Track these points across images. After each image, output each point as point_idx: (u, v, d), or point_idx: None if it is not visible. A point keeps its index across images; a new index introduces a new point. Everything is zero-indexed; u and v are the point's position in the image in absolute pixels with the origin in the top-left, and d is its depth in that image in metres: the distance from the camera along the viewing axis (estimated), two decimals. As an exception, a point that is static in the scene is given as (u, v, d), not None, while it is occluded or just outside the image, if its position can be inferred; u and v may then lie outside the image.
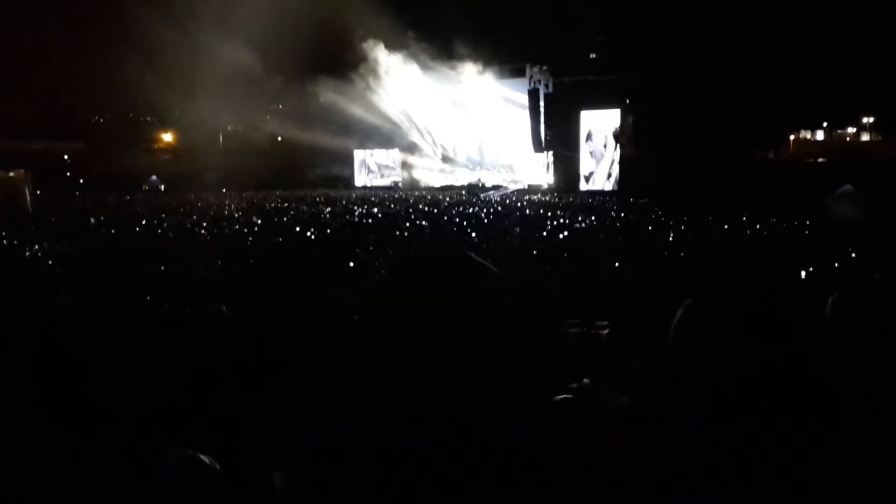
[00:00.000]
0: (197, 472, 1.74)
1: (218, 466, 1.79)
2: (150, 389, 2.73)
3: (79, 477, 2.02)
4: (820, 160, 32.14)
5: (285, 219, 16.24)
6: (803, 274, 5.80)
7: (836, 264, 6.90)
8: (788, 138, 35.47)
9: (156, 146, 46.09)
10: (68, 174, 39.99)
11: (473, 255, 2.06)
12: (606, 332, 3.39)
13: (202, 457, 1.76)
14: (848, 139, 36.56)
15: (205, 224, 14.25)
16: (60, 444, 2.19)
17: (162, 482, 1.73)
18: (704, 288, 3.07)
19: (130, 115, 44.88)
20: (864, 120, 35.83)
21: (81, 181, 38.36)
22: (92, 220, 15.47)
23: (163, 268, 7.15)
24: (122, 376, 2.93)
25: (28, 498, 2.13)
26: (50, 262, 8.18)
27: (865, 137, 36.14)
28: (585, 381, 2.03)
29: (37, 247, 9.81)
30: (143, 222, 14.97)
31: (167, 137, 46.21)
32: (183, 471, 1.73)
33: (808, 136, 36.90)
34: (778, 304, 3.47)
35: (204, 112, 37.51)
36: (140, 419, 2.39)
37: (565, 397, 2.03)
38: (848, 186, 16.17)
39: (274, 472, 2.04)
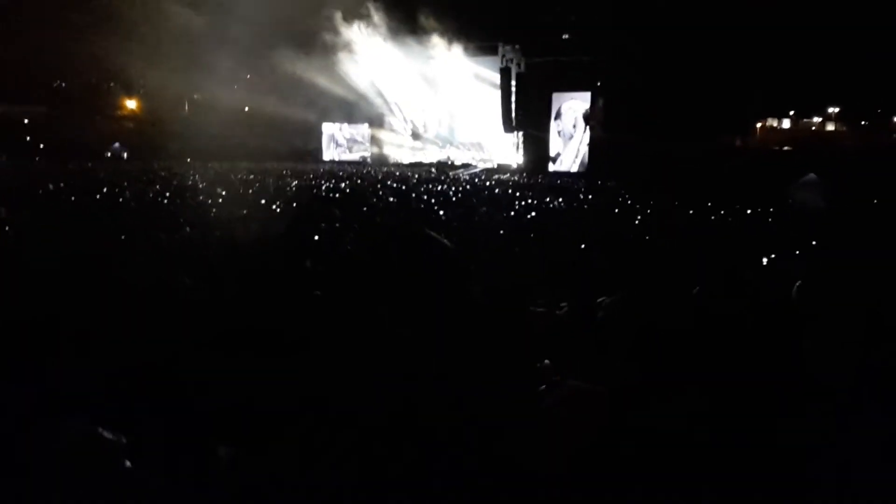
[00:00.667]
0: (93, 446, 1.64)
1: (123, 440, 1.68)
2: (97, 358, 2.65)
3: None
4: (786, 148, 32.59)
5: (251, 191, 16.03)
6: (765, 260, 5.85)
7: (798, 252, 6.99)
8: (755, 125, 35.86)
9: (120, 113, 45.09)
10: (28, 139, 39.04)
11: (434, 234, 2.01)
12: (564, 312, 3.38)
13: (103, 430, 1.66)
14: (814, 128, 37.09)
15: (167, 194, 13.99)
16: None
17: (51, 457, 1.60)
18: (628, 286, 3.06)
19: (94, 80, 43.82)
20: (830, 110, 36.36)
21: (42, 147, 37.48)
22: (51, 186, 15.12)
23: (123, 236, 7.00)
24: (71, 341, 2.85)
25: None
26: (6, 229, 7.97)
27: (831, 127, 36.70)
28: (546, 362, 2.01)
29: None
30: (104, 190, 14.66)
31: (131, 105, 45.23)
32: (74, 445, 1.63)
33: (775, 123, 37.35)
34: (735, 290, 3.48)
35: (169, 80, 36.78)
36: (64, 391, 2.30)
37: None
38: (812, 175, 16.41)
39: (220, 445, 1.99)
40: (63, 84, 43.90)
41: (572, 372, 2.14)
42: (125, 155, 38.40)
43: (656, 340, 2.11)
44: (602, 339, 2.21)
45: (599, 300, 3.12)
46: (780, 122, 37.59)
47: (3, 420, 1.86)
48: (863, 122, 34.69)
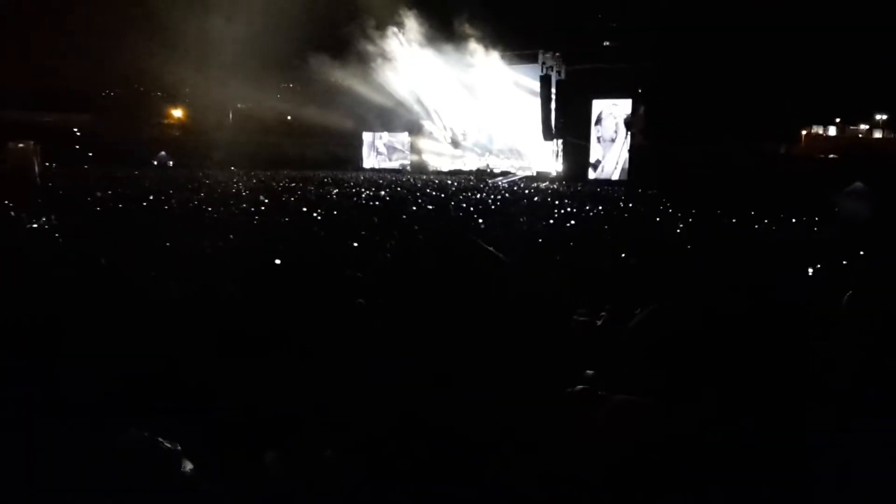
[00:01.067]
0: (155, 454, 1.68)
1: (179, 448, 1.72)
2: (143, 366, 2.71)
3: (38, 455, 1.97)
4: (831, 156, 31.94)
5: (292, 198, 16.21)
6: (811, 271, 5.76)
7: (846, 262, 6.86)
8: (800, 133, 35.22)
9: (166, 121, 46.03)
10: (77, 147, 39.99)
11: (480, 241, 2.04)
12: (602, 321, 3.37)
13: (162, 439, 1.70)
14: (860, 136, 36.31)
15: (212, 201, 14.23)
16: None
17: (115, 465, 1.66)
18: (668, 294, 3.03)
19: (141, 89, 44.77)
20: (877, 117, 35.57)
21: (90, 154, 38.35)
22: (98, 193, 15.47)
23: (168, 244, 7.13)
24: (116, 350, 2.92)
25: None
26: (56, 235, 8.18)
27: (878, 135, 35.89)
28: (589, 372, 2.01)
29: (43, 219, 9.81)
30: (151, 198, 14.96)
31: (177, 113, 46.14)
32: (139, 454, 1.67)
33: (821, 131, 36.65)
34: (771, 304, 3.44)
35: (214, 88, 37.44)
36: (116, 399, 2.36)
37: (575, 390, 2.00)
38: (859, 184, 16.06)
39: (267, 450, 2.02)
40: (111, 93, 44.94)
41: (613, 381, 2.14)
42: (171, 163, 39.11)
43: (684, 349, 2.10)
44: (629, 347, 2.20)
45: (637, 311, 3.11)
46: (825, 130, 36.88)
47: (63, 432, 1.92)
48: (912, 130, 33.90)
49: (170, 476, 1.67)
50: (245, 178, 26.07)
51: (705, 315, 2.22)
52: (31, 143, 21.88)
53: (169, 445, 1.70)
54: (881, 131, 35.79)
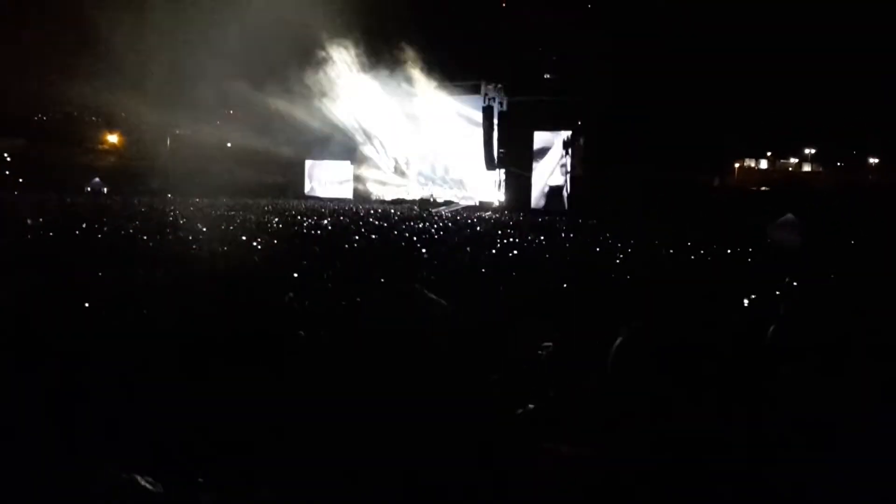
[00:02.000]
0: (130, 494, 1.62)
1: (159, 489, 1.67)
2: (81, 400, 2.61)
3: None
4: (763, 188, 33.05)
5: (231, 227, 15.96)
6: (746, 301, 5.89)
7: (777, 292, 7.03)
8: (733, 166, 36.39)
9: (100, 147, 44.95)
10: (7, 173, 38.76)
11: (424, 289, 2.04)
12: (546, 353, 3.37)
13: (140, 478, 1.65)
14: (790, 168, 37.72)
15: (147, 230, 13.89)
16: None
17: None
18: (644, 316, 3.08)
19: (75, 114, 43.72)
20: (806, 151, 37.02)
21: (21, 180, 37.20)
22: (29, 221, 14.96)
23: (100, 273, 6.92)
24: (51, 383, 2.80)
25: None
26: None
27: (807, 168, 37.33)
28: (530, 406, 2.01)
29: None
30: (84, 225, 14.53)
31: (112, 139, 45.14)
32: (114, 493, 1.62)
33: (753, 164, 37.94)
34: (717, 331, 3.50)
35: (151, 114, 36.77)
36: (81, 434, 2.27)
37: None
38: (789, 215, 16.60)
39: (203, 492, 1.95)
40: (44, 117, 43.77)
41: (560, 411, 2.14)
42: (105, 190, 38.16)
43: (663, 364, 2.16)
44: (623, 362, 2.24)
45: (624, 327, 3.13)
46: (757, 163, 38.20)
47: (39, 468, 1.84)
48: (838, 163, 35.32)
49: None
50: (182, 206, 25.57)
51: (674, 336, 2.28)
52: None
53: (147, 484, 1.64)
54: (810, 164, 37.25)
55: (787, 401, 2.23)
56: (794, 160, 37.75)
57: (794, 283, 7.69)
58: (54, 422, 2.42)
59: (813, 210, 17.94)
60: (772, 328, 2.79)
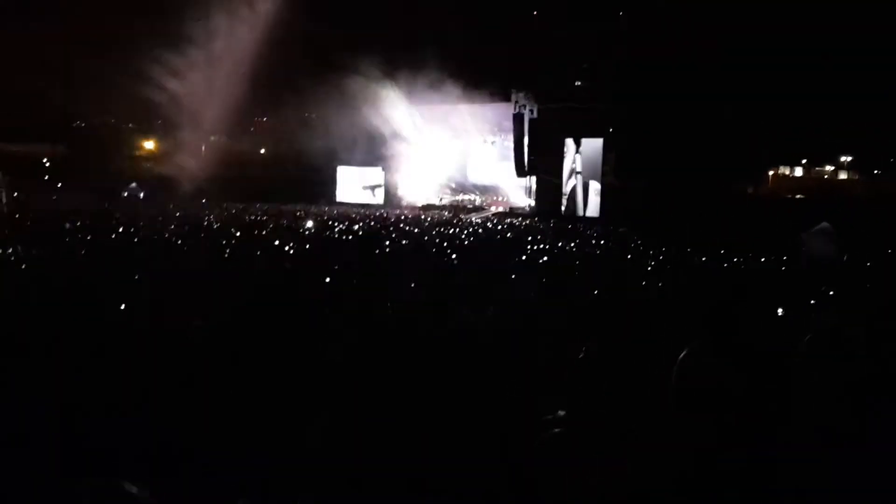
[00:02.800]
0: (115, 500, 1.60)
1: (145, 495, 1.64)
2: (113, 401, 2.65)
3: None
4: (798, 196, 32.58)
5: (264, 231, 16.12)
6: (780, 311, 5.83)
7: (812, 301, 6.95)
8: (767, 174, 35.92)
9: (137, 153, 45.68)
10: (47, 178, 39.50)
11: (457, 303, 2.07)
12: (579, 357, 3.36)
13: (128, 485, 1.62)
14: (826, 177, 37.11)
15: (183, 234, 14.09)
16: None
17: None
18: (701, 328, 3.06)
19: (113, 120, 44.49)
20: (842, 159, 36.40)
21: (60, 185, 37.89)
22: (67, 224, 15.26)
23: (136, 276, 7.04)
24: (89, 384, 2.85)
25: None
26: (23, 266, 8.05)
27: (843, 176, 36.71)
28: (560, 412, 2.01)
29: (10, 249, 9.65)
30: (121, 230, 14.78)
31: (149, 145, 45.84)
32: (98, 499, 1.60)
33: (787, 172, 37.40)
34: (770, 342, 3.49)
35: (187, 121, 37.31)
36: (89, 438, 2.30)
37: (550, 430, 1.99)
38: (825, 224, 16.34)
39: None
40: (82, 124, 44.59)
41: (586, 418, 2.14)
42: (141, 195, 38.73)
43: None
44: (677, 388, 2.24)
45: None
46: (792, 171, 37.65)
47: (24, 477, 1.85)
48: (875, 171, 34.69)
49: None
50: (217, 211, 25.88)
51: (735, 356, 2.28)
52: (0, 173, 21.61)
53: (135, 492, 1.63)
54: (846, 172, 36.61)
55: (810, 410, 2.22)
56: (829, 168, 37.14)
57: (831, 293, 7.59)
58: (49, 430, 2.43)
59: (849, 219, 17.62)
60: (807, 338, 2.76)
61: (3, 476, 1.93)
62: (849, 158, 36.13)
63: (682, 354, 2.26)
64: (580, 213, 31.67)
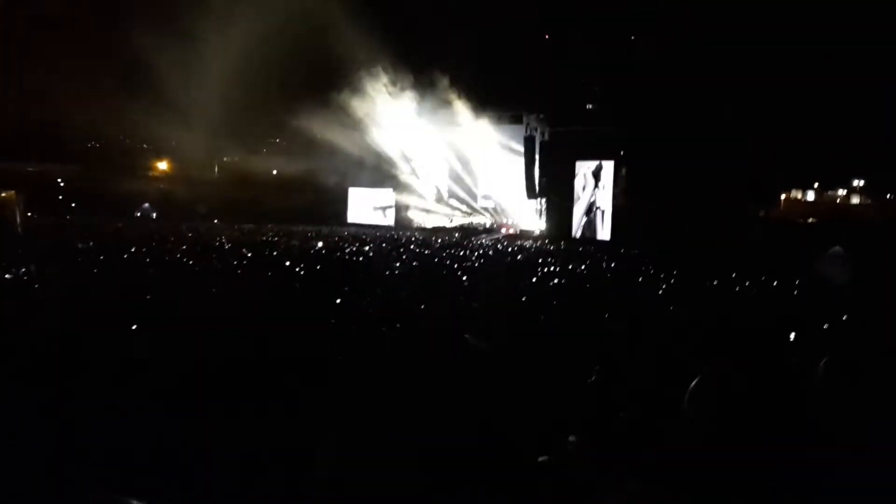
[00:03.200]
0: None
1: None
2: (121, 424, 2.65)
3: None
4: (810, 220, 32.45)
5: (275, 252, 16.16)
6: (793, 336, 5.76)
7: (826, 325, 6.87)
8: (779, 197, 35.83)
9: (150, 174, 46.08)
10: (60, 198, 39.85)
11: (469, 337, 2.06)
12: (590, 382, 3.34)
13: (131, 501, 1.62)
14: (838, 201, 36.98)
15: (193, 254, 14.15)
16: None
17: None
18: (720, 353, 3.05)
19: (127, 141, 44.92)
20: (855, 183, 36.29)
21: (73, 205, 38.21)
22: (80, 244, 15.35)
23: (147, 296, 7.06)
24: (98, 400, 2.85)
25: None
26: (36, 286, 8.09)
27: (855, 200, 36.57)
28: (571, 438, 1.99)
29: (23, 269, 9.70)
30: (132, 249, 14.85)
31: (162, 165, 46.24)
32: None
33: (799, 196, 37.30)
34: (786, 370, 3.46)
35: (200, 141, 37.63)
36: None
37: (547, 459, 1.97)
38: (837, 248, 16.25)
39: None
40: (96, 144, 45.01)
41: (599, 443, 2.12)
42: (154, 215, 39.02)
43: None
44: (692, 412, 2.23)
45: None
46: (804, 194, 37.55)
47: (33, 490, 1.85)
48: (888, 195, 34.54)
49: None
50: (228, 231, 26.01)
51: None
52: (14, 192, 21.78)
53: None
54: (858, 196, 36.48)
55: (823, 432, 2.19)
56: (842, 192, 37.01)
57: (844, 318, 7.52)
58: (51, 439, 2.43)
59: (862, 243, 17.52)
60: (822, 362, 2.74)
61: (4, 477, 1.93)
62: (861, 182, 36.01)
63: (694, 381, 2.24)
64: (591, 235, 31.63)
